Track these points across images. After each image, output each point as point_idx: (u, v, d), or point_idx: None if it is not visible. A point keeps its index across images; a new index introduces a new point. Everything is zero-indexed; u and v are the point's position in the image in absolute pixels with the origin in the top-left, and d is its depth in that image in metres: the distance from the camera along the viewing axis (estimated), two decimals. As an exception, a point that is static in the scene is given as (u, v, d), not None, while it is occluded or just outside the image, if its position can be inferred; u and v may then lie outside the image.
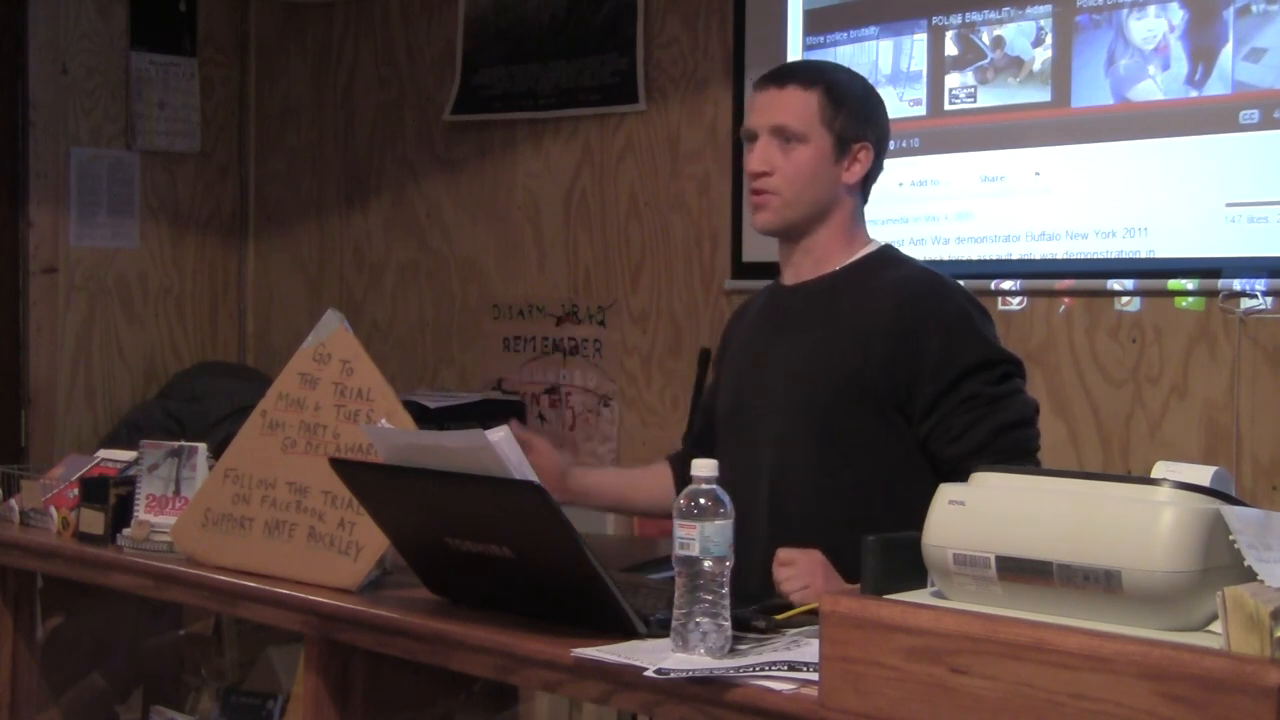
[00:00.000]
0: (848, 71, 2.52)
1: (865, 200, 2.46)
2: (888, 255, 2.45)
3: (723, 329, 2.70)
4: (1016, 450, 2.25)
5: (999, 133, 3.64)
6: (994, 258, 3.63)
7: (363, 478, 2.22)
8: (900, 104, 3.74)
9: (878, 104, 2.46)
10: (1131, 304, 3.41)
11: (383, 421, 2.37)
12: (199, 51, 5.37)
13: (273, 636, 3.58)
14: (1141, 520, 1.51)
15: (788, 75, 2.42)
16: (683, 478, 2.56)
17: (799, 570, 2.14)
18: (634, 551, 3.19)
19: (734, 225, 4.15)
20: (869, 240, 2.45)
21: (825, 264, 2.42)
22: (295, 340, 2.64)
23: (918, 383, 2.26)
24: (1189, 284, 3.31)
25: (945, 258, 3.67)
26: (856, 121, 2.39)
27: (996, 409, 2.25)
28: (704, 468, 1.83)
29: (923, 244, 3.72)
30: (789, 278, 2.47)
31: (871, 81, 2.54)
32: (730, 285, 4.14)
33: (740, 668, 1.76)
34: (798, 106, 2.37)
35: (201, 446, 2.82)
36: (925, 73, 3.75)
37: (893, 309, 2.30)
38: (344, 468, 2.23)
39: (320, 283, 5.33)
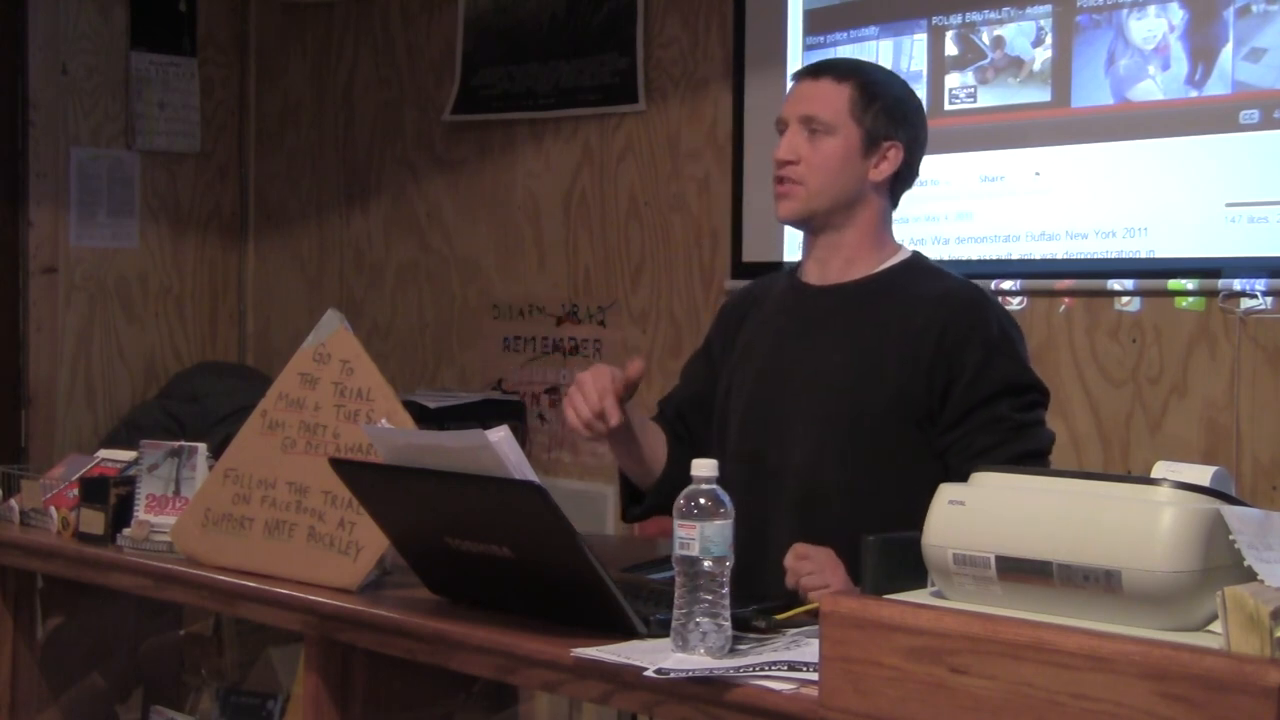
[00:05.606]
0: (887, 72, 2.53)
1: (894, 205, 2.44)
2: (923, 264, 2.44)
3: (718, 316, 2.63)
4: None
5: (999, 133, 3.64)
6: (994, 258, 3.63)
7: (363, 478, 2.22)
8: (900, 104, 3.74)
9: (915, 108, 2.45)
10: (1131, 304, 3.41)
11: (383, 421, 2.37)
12: (199, 51, 5.37)
13: (273, 636, 3.57)
14: (1141, 520, 1.51)
15: (824, 68, 2.43)
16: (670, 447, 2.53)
17: (816, 566, 2.14)
18: (634, 551, 3.20)
19: (734, 225, 4.15)
20: (898, 246, 2.44)
21: (855, 266, 2.40)
22: (295, 340, 2.64)
23: (950, 393, 2.27)
24: (1189, 284, 3.31)
25: (945, 258, 3.67)
26: (888, 119, 2.38)
27: (1021, 436, 2.27)
28: (704, 467, 1.82)
29: (923, 244, 3.70)
30: (815, 276, 2.44)
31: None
32: (730, 285, 4.14)
33: (740, 668, 1.76)
34: (829, 98, 2.37)
35: (201, 446, 2.82)
36: (925, 73, 3.75)
37: (937, 322, 2.29)
38: (344, 468, 2.23)
39: (320, 283, 5.33)
